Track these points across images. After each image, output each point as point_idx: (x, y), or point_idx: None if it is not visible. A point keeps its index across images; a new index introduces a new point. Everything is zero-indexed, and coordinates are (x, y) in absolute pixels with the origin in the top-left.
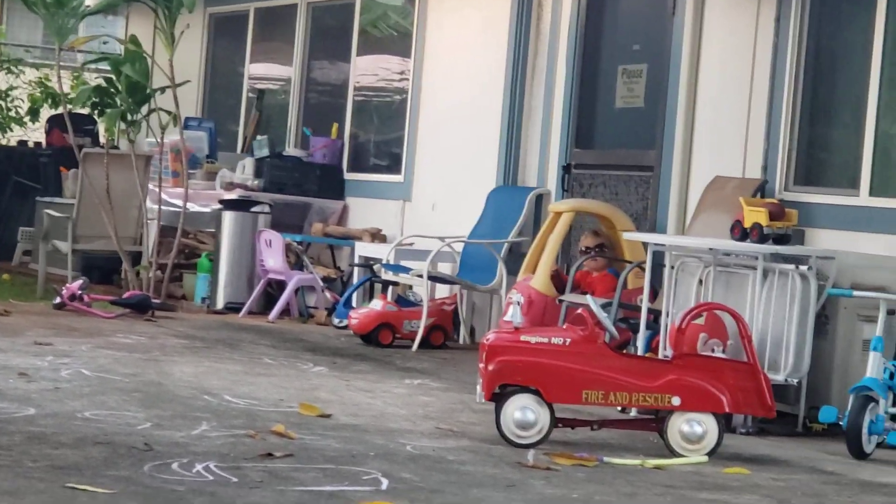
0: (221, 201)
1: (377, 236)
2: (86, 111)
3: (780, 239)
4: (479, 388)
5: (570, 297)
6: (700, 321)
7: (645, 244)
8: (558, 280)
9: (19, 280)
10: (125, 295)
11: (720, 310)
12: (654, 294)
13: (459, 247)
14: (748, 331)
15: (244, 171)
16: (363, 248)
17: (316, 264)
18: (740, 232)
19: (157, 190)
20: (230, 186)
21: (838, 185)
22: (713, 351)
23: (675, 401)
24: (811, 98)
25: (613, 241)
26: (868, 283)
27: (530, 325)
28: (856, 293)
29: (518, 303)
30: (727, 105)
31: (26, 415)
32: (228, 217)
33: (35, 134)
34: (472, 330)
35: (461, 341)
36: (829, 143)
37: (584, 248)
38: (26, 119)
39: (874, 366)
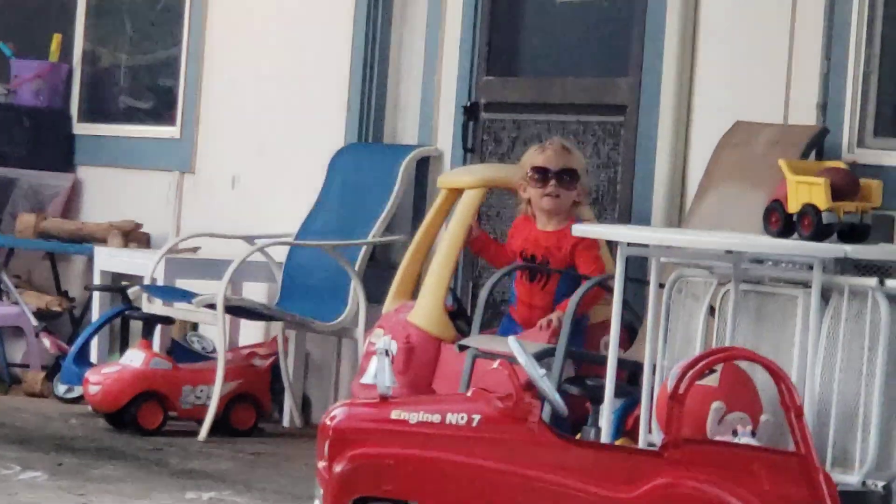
0: None
1: (134, 237)
2: None
3: (852, 232)
4: None
5: (478, 340)
6: (712, 381)
7: (612, 245)
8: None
9: None
10: None
11: (747, 360)
12: (630, 334)
13: (281, 254)
14: (797, 398)
15: None
16: (109, 259)
17: (25, 288)
18: (781, 221)
19: None
20: None
21: None
22: (735, 434)
23: None
24: None
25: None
26: None
27: (409, 392)
28: None
29: (387, 352)
30: None
31: None
32: None
33: None
34: (304, 402)
35: (286, 422)
36: None
37: (533, 173)
38: None
39: None
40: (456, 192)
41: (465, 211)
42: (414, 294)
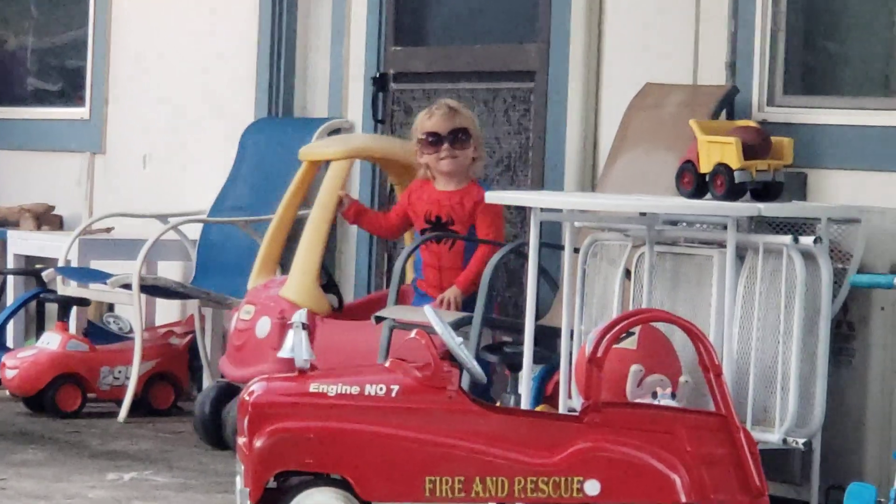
0: None
1: (46, 219)
2: None
3: (766, 190)
4: (238, 480)
5: (394, 311)
6: (630, 344)
7: (524, 211)
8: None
9: None
10: None
11: (664, 321)
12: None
13: (195, 232)
14: (715, 358)
15: None
16: (22, 242)
17: None
18: (694, 181)
19: None
20: None
21: (865, 93)
22: (655, 396)
23: (591, 487)
24: None
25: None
26: None
27: (285, 367)
28: None
29: (304, 326)
30: None
31: None
32: None
33: None
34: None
35: None
36: (849, 18)
37: (426, 138)
38: None
39: None
40: (318, 165)
41: (332, 183)
42: (284, 268)
